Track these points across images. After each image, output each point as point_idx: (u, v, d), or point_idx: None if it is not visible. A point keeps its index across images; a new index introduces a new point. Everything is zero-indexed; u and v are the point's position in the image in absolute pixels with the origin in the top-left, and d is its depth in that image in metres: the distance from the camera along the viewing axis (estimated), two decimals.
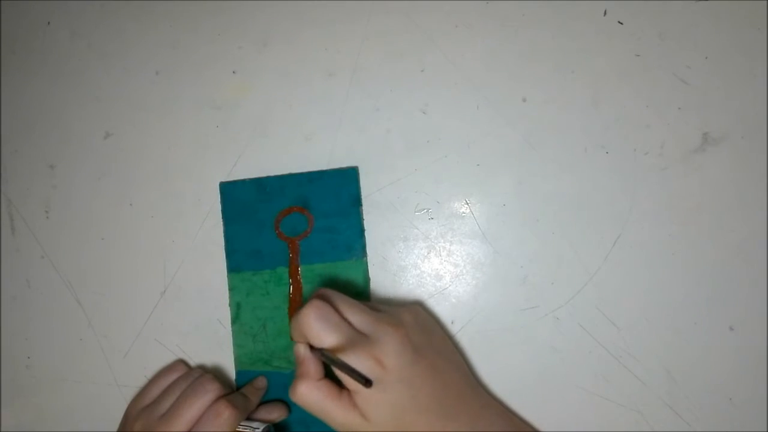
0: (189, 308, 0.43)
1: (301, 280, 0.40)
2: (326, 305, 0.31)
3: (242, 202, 0.41)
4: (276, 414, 0.39)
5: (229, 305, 0.41)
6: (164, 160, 0.43)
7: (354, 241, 0.39)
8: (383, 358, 0.30)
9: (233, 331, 0.41)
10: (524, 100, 0.38)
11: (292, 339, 0.34)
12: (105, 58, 0.45)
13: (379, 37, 0.40)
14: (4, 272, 0.46)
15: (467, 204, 0.39)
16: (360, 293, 0.39)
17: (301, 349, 0.32)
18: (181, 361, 0.42)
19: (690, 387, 0.35)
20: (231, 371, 0.41)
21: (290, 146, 0.41)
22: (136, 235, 0.43)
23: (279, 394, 0.40)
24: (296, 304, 0.40)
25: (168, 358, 0.42)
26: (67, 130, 0.45)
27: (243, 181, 0.42)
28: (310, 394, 0.31)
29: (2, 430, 0.46)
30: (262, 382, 0.40)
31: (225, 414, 0.35)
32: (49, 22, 0.46)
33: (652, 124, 0.36)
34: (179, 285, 0.43)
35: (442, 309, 0.39)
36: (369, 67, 0.40)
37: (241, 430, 0.36)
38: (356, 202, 0.40)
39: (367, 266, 0.39)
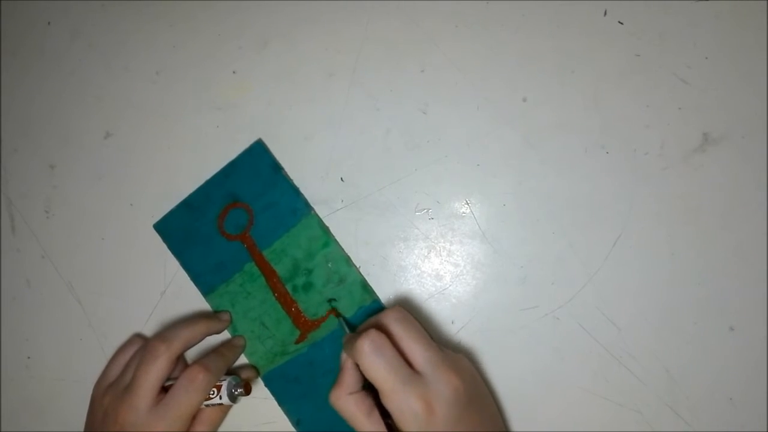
0: (189, 308, 0.43)
1: (271, 263, 0.40)
2: (382, 337, 0.31)
3: (181, 229, 0.42)
4: (245, 374, 0.40)
5: None
6: (164, 160, 0.43)
7: (293, 203, 0.40)
8: (435, 404, 0.30)
9: None
10: (524, 100, 0.38)
11: (344, 349, 0.34)
12: (105, 58, 0.45)
13: (379, 37, 0.40)
14: (4, 272, 0.46)
15: (467, 204, 0.39)
16: (325, 244, 0.39)
17: (343, 358, 0.33)
18: (138, 335, 0.43)
19: (690, 387, 0.35)
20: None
21: (290, 146, 0.41)
22: (136, 235, 0.43)
23: (307, 376, 0.40)
24: (279, 287, 0.40)
25: None
26: (67, 130, 0.46)
27: (171, 212, 0.43)
28: (340, 403, 0.32)
29: (2, 430, 0.46)
30: (240, 341, 0.41)
31: (199, 378, 0.36)
32: (49, 22, 0.46)
33: (652, 124, 0.36)
34: (179, 285, 0.43)
35: (442, 309, 0.39)
36: (369, 67, 0.40)
37: (227, 382, 0.37)
38: (275, 169, 0.40)
39: (318, 218, 0.40)
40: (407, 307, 0.39)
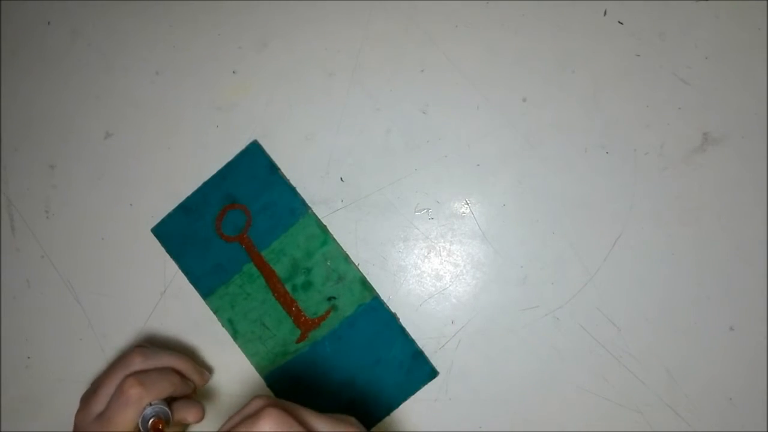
0: (189, 308, 0.42)
1: (269, 264, 0.40)
2: (282, 412, 0.28)
3: (179, 233, 0.42)
4: (184, 414, 0.36)
5: (223, 326, 0.41)
6: (164, 160, 0.43)
7: (291, 203, 0.40)
8: None
9: (240, 346, 0.41)
10: (524, 100, 0.38)
11: None
12: (105, 58, 0.45)
13: (379, 37, 0.40)
14: (4, 272, 0.46)
15: (467, 204, 0.39)
16: (323, 242, 0.40)
17: None
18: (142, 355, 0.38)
19: (690, 387, 0.35)
20: (243, 371, 0.41)
21: (290, 146, 0.41)
22: (135, 235, 0.43)
23: (309, 375, 0.40)
24: (279, 287, 0.40)
25: None
26: (67, 130, 0.45)
27: (169, 216, 0.43)
28: None
29: (2, 430, 0.46)
30: (200, 380, 0.38)
31: (129, 392, 0.33)
32: (49, 22, 0.46)
33: (652, 124, 0.36)
34: (179, 285, 0.43)
35: (442, 309, 0.39)
36: (369, 67, 0.40)
37: (147, 411, 0.34)
38: (272, 169, 0.41)
39: (315, 217, 0.40)
40: (409, 304, 0.39)
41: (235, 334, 0.41)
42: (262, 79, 0.42)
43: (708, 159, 0.36)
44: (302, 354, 0.40)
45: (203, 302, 0.42)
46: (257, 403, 0.29)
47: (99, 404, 0.34)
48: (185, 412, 0.36)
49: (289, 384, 0.40)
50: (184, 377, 0.37)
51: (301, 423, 0.29)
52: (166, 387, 0.35)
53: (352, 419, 0.32)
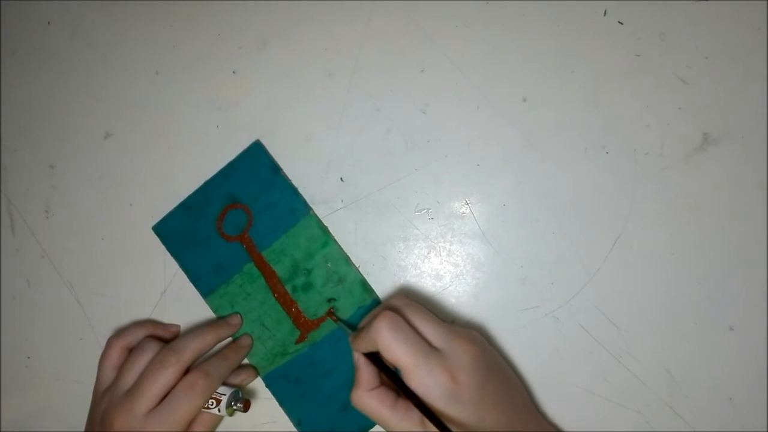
0: (189, 308, 0.43)
1: (270, 264, 0.40)
2: (397, 316, 0.31)
3: (180, 231, 0.42)
4: (241, 378, 0.40)
5: None
6: (164, 160, 0.43)
7: (293, 203, 0.40)
8: (457, 374, 0.30)
9: None
10: (524, 100, 0.38)
11: (352, 347, 0.34)
12: (105, 58, 0.45)
13: (379, 37, 0.40)
14: (4, 272, 0.46)
15: (467, 204, 0.39)
16: (324, 243, 0.39)
17: (355, 357, 0.34)
18: (114, 337, 0.40)
19: (690, 387, 0.35)
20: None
21: (290, 146, 0.41)
22: (136, 235, 0.43)
23: (308, 376, 0.40)
24: (279, 287, 0.40)
25: None
26: (67, 130, 0.45)
27: (170, 214, 0.42)
28: (363, 401, 0.32)
29: (2, 429, 0.46)
30: (246, 341, 0.40)
31: (199, 383, 0.36)
32: (49, 22, 0.46)
33: (652, 124, 0.36)
34: (179, 285, 0.43)
35: (442, 309, 0.39)
36: (369, 67, 0.40)
37: (223, 399, 0.37)
38: (274, 169, 0.40)
39: (317, 218, 0.40)
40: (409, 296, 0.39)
41: (234, 334, 0.41)
42: (262, 79, 0.42)
43: (708, 159, 0.36)
44: (301, 355, 0.40)
45: (203, 301, 0.42)
46: (383, 306, 0.34)
47: (147, 402, 0.35)
48: (242, 378, 0.40)
49: (288, 385, 0.40)
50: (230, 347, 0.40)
51: (413, 326, 0.32)
52: (228, 369, 0.38)
53: (474, 334, 0.34)
